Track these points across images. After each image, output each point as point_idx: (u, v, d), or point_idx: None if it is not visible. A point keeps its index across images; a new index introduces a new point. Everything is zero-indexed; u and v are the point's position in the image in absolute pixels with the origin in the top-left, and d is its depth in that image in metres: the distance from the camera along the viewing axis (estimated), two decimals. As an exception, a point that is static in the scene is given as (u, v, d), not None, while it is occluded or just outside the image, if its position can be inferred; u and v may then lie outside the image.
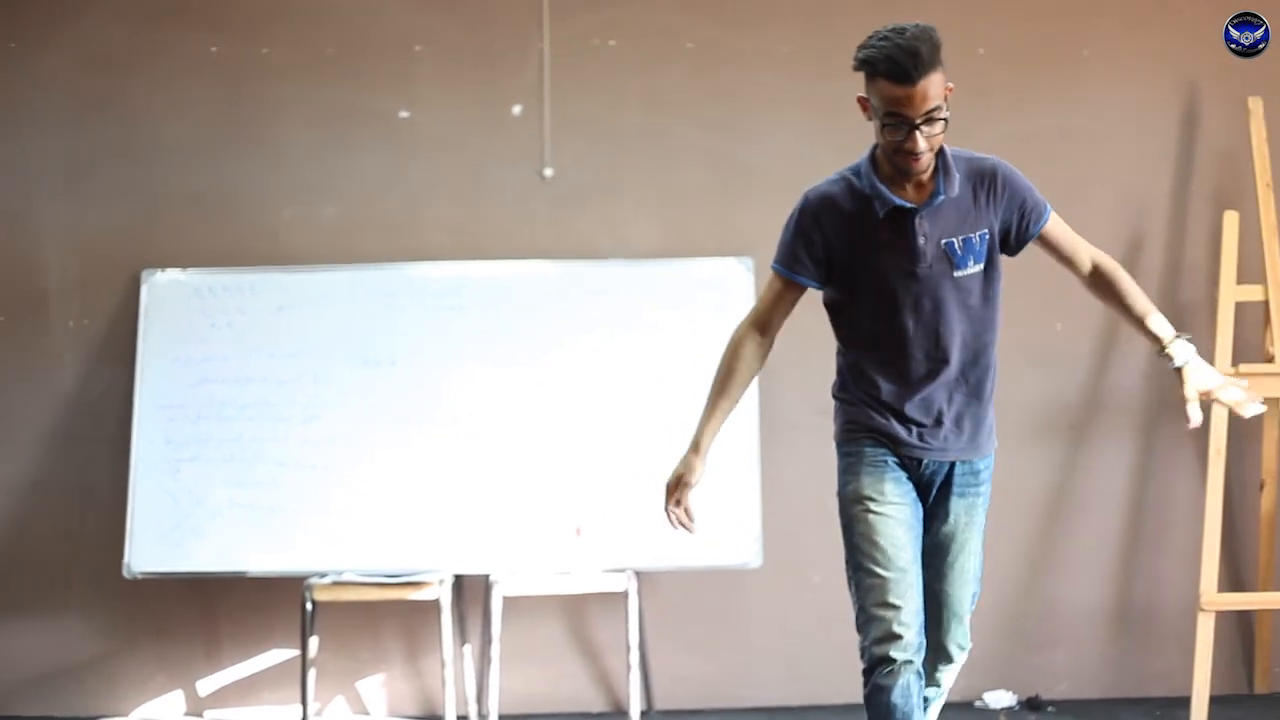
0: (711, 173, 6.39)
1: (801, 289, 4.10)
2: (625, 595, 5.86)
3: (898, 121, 3.84)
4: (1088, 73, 6.40)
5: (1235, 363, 5.80)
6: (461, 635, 6.14)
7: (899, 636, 3.88)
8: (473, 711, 6.16)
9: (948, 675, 4.24)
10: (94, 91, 6.44)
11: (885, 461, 4.06)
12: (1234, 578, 6.28)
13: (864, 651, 3.92)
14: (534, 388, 6.06)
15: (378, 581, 5.83)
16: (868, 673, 3.91)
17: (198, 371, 6.13)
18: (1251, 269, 6.03)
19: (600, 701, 6.29)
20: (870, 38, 3.92)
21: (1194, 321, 6.28)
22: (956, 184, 3.99)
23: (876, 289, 4.04)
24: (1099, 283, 4.23)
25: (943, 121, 3.85)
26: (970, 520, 4.13)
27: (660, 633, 6.23)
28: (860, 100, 3.94)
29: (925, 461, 4.06)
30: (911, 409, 4.05)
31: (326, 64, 6.43)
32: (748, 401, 5.94)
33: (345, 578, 5.84)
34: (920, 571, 4.02)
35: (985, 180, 4.06)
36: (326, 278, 6.21)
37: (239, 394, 6.12)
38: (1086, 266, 4.21)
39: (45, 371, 6.36)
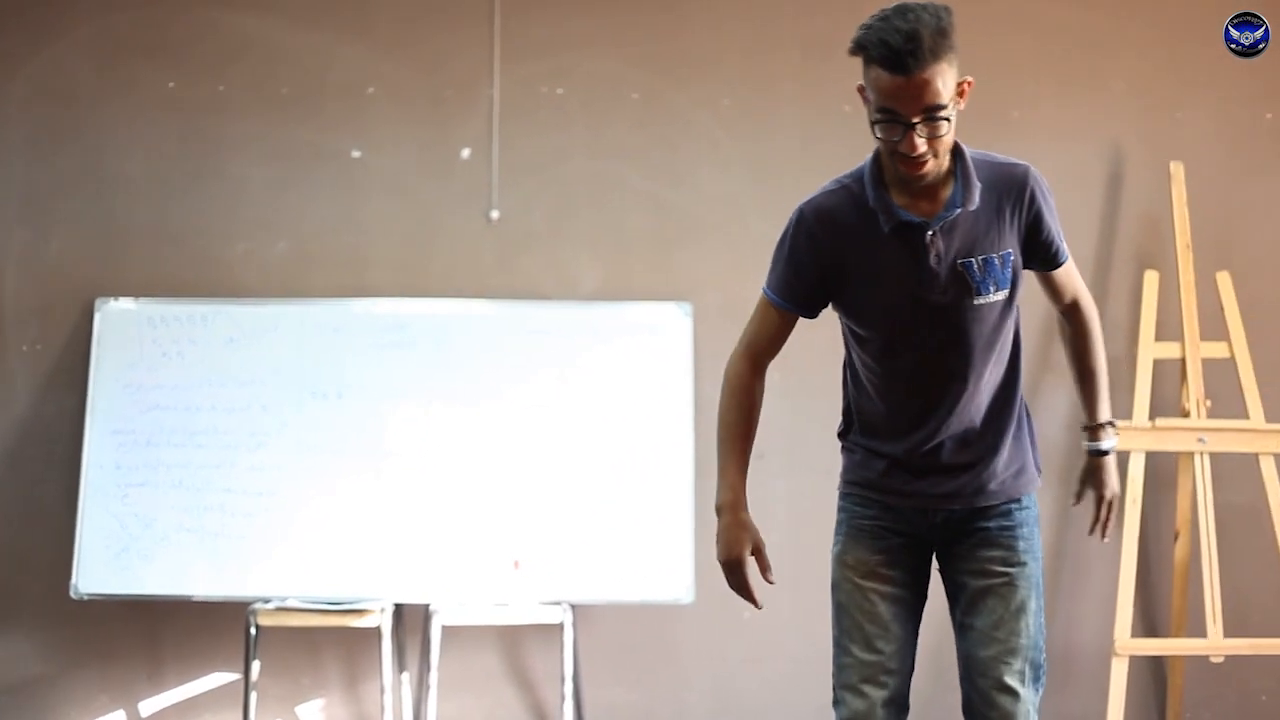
0: (653, 219, 6.52)
1: (796, 317, 3.64)
2: (561, 627, 5.95)
3: (892, 119, 3.31)
4: (1016, 134, 6.53)
5: (1152, 416, 5.99)
6: (400, 663, 6.24)
7: None
8: (409, 738, 6.28)
9: None
10: (54, 123, 6.55)
11: (875, 527, 3.64)
12: (1148, 624, 6.41)
13: None
14: (476, 424, 6.17)
15: (320, 608, 5.93)
16: None
17: (149, 398, 6.22)
18: (1170, 327, 6.22)
19: None
20: (872, 15, 3.36)
21: (1114, 376, 6.37)
22: (977, 194, 3.44)
23: (882, 318, 3.52)
24: (1070, 321, 3.80)
25: (946, 122, 3.31)
26: (1008, 575, 3.57)
27: (594, 665, 6.33)
28: (859, 89, 3.44)
29: (936, 511, 3.59)
30: (920, 456, 3.56)
31: (281, 103, 6.55)
32: (682, 438, 6.13)
33: (289, 604, 5.94)
34: (908, 649, 3.68)
35: (1013, 191, 3.50)
36: (276, 311, 6.30)
37: (188, 421, 6.19)
38: (1067, 299, 3.77)
39: (-2, 394, 6.46)
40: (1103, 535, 3.70)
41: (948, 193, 3.44)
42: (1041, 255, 3.58)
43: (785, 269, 3.57)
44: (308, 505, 6.12)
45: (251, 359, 6.25)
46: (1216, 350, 6.13)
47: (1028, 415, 3.70)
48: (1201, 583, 5.89)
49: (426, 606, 6.07)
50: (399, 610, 6.16)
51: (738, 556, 3.62)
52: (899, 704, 3.68)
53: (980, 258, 3.44)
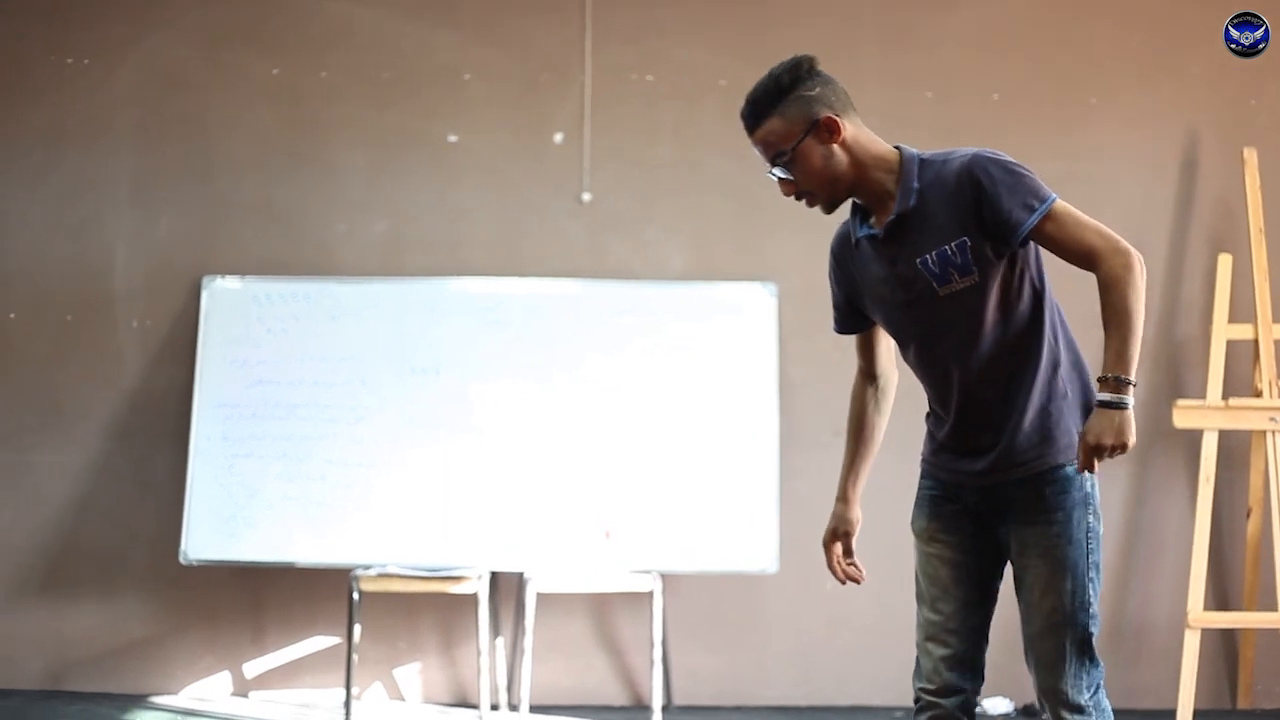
0: (739, 202, 6.65)
1: (869, 331, 3.86)
2: (650, 596, 6.10)
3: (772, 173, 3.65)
4: (1094, 120, 6.68)
5: (1225, 396, 6.08)
6: (495, 629, 6.41)
7: (928, 680, 3.80)
8: (503, 701, 6.42)
9: None
10: (161, 109, 6.76)
11: (933, 496, 3.79)
12: (1220, 598, 6.53)
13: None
14: (568, 398, 6.35)
15: (419, 575, 6.12)
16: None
17: (253, 373, 6.42)
18: (1243, 309, 6.34)
19: (623, 696, 6.56)
20: None
21: (1188, 356, 6.58)
22: (913, 196, 3.59)
23: (884, 321, 3.76)
24: (1096, 278, 3.58)
25: (791, 165, 3.57)
26: (1044, 550, 3.60)
27: (681, 632, 6.50)
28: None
29: (974, 489, 3.69)
30: (952, 437, 3.70)
31: (381, 89, 6.74)
32: (769, 416, 6.28)
33: (389, 570, 6.14)
34: (973, 612, 3.80)
35: (955, 181, 3.58)
36: (375, 289, 6.49)
37: (291, 395, 6.40)
38: (1078, 257, 3.59)
39: (109, 368, 6.67)
40: (1079, 469, 3.56)
41: (894, 202, 3.62)
42: (1004, 227, 3.52)
43: (832, 298, 3.89)
44: (406, 476, 6.30)
45: (351, 335, 6.44)
46: (1290, 332, 6.24)
47: (1069, 386, 3.67)
48: (1273, 558, 5.96)
49: (521, 574, 6.25)
50: (494, 578, 6.34)
51: (825, 541, 4.02)
52: (966, 665, 3.84)
53: (933, 252, 3.57)
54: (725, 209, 6.69)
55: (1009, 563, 3.73)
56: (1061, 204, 3.57)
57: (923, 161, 3.66)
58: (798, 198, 3.66)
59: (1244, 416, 6.04)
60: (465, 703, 6.52)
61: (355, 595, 6.09)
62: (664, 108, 6.76)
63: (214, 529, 6.30)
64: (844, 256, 3.77)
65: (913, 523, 3.86)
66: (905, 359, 3.79)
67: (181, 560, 6.29)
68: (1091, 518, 3.69)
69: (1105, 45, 6.76)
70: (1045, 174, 6.57)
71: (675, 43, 6.77)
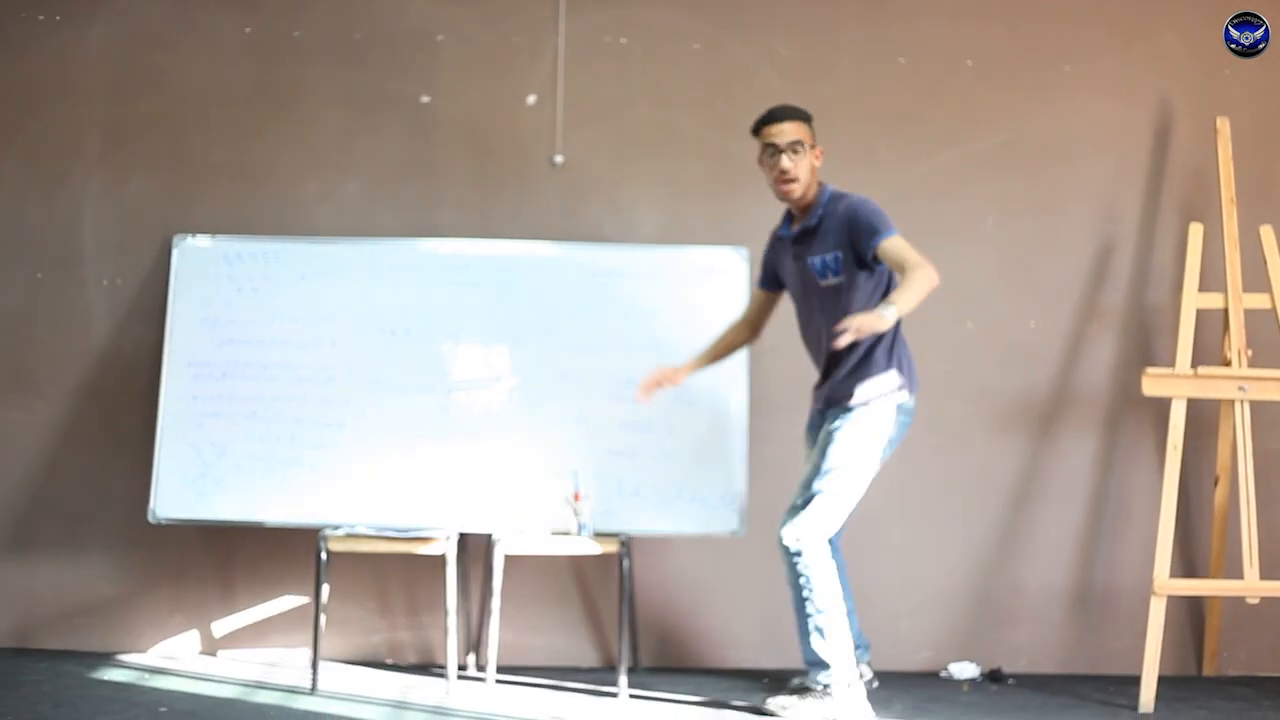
0: (712, 166, 6.66)
1: (775, 295, 5.96)
2: (618, 558, 6.08)
3: (773, 150, 5.56)
4: (1068, 88, 6.70)
5: (1194, 364, 6.10)
6: (463, 589, 6.43)
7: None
8: (471, 662, 6.45)
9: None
10: (133, 67, 6.74)
11: (811, 415, 5.82)
12: (1187, 565, 6.56)
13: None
14: (539, 360, 6.35)
15: (388, 535, 6.11)
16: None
17: (223, 333, 6.41)
18: (1213, 278, 6.36)
19: (591, 658, 6.57)
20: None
21: (1158, 324, 6.61)
22: (817, 217, 5.59)
23: (793, 296, 5.80)
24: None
25: (803, 158, 5.55)
26: (827, 442, 5.56)
27: (649, 595, 6.53)
28: (758, 161, 5.65)
29: (818, 411, 5.72)
30: (819, 371, 5.73)
31: (354, 49, 6.72)
32: (738, 381, 6.29)
33: (358, 530, 6.13)
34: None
35: (841, 214, 5.51)
36: (347, 250, 6.47)
37: (261, 355, 6.39)
38: (898, 267, 5.38)
39: (79, 327, 6.65)
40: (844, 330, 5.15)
41: (807, 217, 5.62)
42: (862, 238, 5.42)
43: (763, 263, 5.98)
44: (375, 437, 6.30)
45: (322, 296, 6.43)
46: (1259, 301, 6.24)
47: (885, 359, 5.59)
48: (1240, 527, 6.01)
49: (489, 536, 6.24)
50: (463, 539, 6.34)
51: (652, 374, 5.95)
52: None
53: (818, 258, 5.57)
54: (698, 173, 6.68)
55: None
56: (898, 237, 5.41)
57: (833, 195, 5.62)
58: (787, 180, 5.57)
59: (1213, 385, 6.06)
60: (433, 663, 6.53)
61: (323, 555, 6.07)
62: (637, 71, 6.74)
63: (183, 488, 6.30)
64: (776, 242, 5.84)
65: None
66: (799, 323, 5.81)
67: (150, 519, 6.28)
68: (867, 436, 5.56)
69: (1080, 13, 6.76)
70: (1019, 140, 6.65)
71: (649, 6, 6.77)
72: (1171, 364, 6.18)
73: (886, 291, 5.55)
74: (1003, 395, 6.62)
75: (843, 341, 5.15)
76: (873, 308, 5.44)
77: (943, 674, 6.46)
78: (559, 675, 6.32)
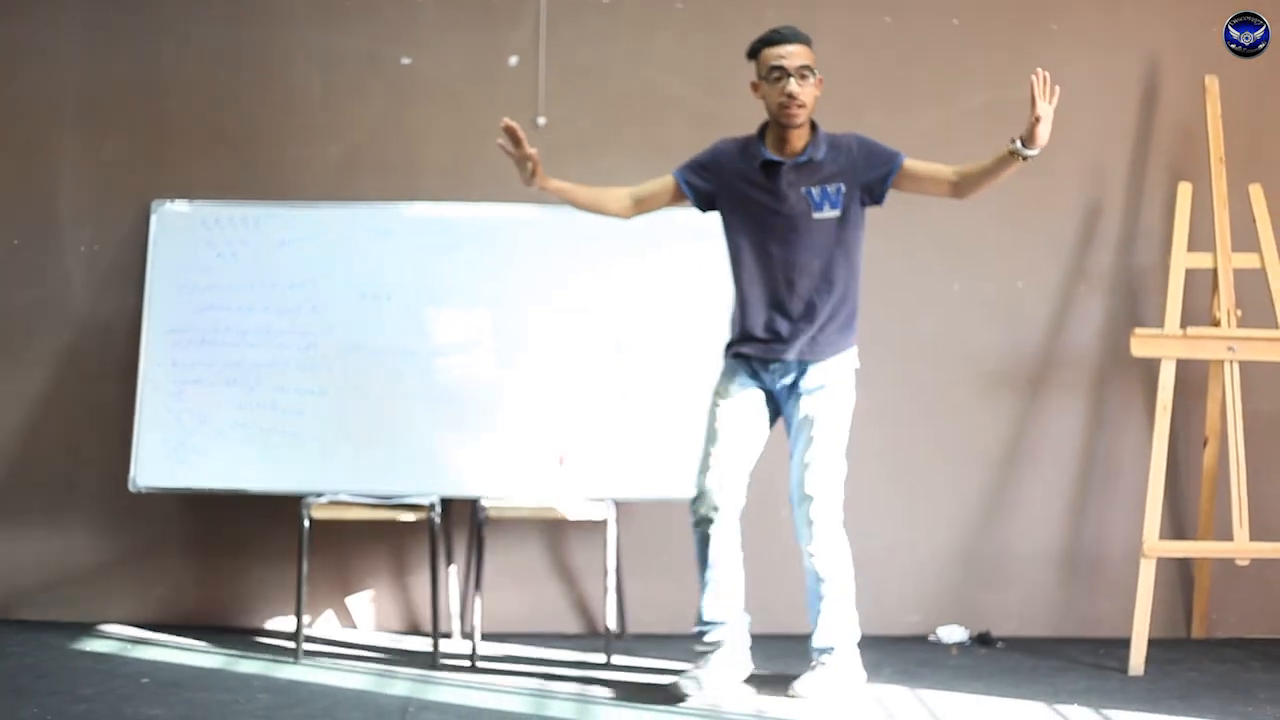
0: (697, 127, 6.43)
1: (680, 196, 5.49)
2: (604, 523, 6.06)
3: (780, 73, 5.21)
4: (1054, 46, 6.61)
5: (1183, 325, 6.06)
6: (448, 556, 6.40)
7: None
8: (456, 629, 6.41)
9: None
10: (108, 27, 6.64)
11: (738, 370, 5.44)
12: (1176, 527, 6.54)
13: None
14: (522, 324, 6.30)
15: (370, 502, 6.09)
16: None
17: (203, 299, 6.35)
18: (1202, 237, 6.30)
19: (576, 624, 6.55)
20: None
21: (1147, 285, 6.57)
22: (822, 148, 5.29)
23: (748, 224, 5.35)
24: (966, 179, 5.25)
25: (810, 83, 5.23)
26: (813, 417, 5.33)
27: (635, 560, 6.47)
28: (752, 86, 5.35)
29: (772, 363, 5.35)
30: (767, 321, 5.33)
31: (333, 9, 6.63)
32: (724, 340, 6.23)
33: (340, 498, 6.10)
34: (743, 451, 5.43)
35: (844, 146, 5.31)
36: (327, 213, 6.41)
37: (241, 321, 6.32)
38: (951, 175, 5.27)
39: (57, 293, 6.58)
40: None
41: (802, 147, 5.31)
42: (883, 161, 5.31)
43: (696, 163, 5.50)
44: (357, 403, 6.25)
45: (303, 260, 6.37)
46: (1248, 261, 6.21)
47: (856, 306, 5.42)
48: (1229, 488, 5.98)
49: (474, 501, 6.19)
50: (446, 505, 6.29)
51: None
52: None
53: (819, 188, 5.28)
54: (683, 134, 6.53)
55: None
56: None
57: (827, 132, 5.35)
58: (794, 105, 5.23)
59: (1202, 346, 6.04)
60: (418, 630, 6.51)
61: (306, 523, 6.04)
62: (621, 31, 6.67)
63: (163, 456, 6.25)
64: (742, 160, 5.39)
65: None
66: (749, 260, 5.38)
67: (131, 488, 6.24)
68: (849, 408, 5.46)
69: (1067, -32, 6.70)
70: (1003, 100, 6.58)
71: (632, -35, 6.68)
72: (1160, 324, 6.15)
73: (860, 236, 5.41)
74: (990, 357, 6.58)
75: (1041, 134, 5.07)
76: (855, 249, 5.37)
77: (931, 638, 6.45)
78: (545, 641, 6.30)
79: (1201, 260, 6.22)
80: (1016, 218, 6.61)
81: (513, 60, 6.65)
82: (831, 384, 5.37)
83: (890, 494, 6.55)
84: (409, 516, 6.07)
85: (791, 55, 5.25)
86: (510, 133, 5.33)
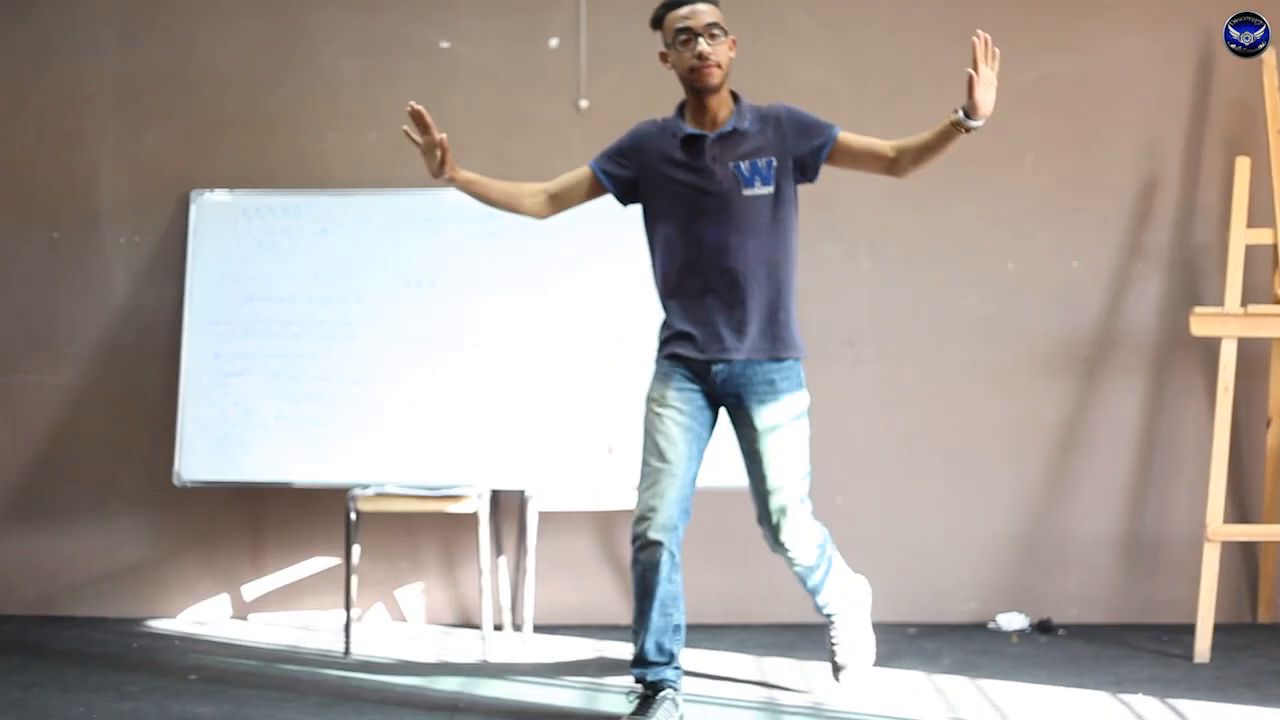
0: None
1: (600, 189, 5.04)
2: (655, 513, 6.01)
3: (688, 35, 4.75)
4: (1108, 20, 6.50)
5: (1244, 303, 5.94)
6: (497, 547, 6.34)
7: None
8: (507, 621, 6.34)
9: None
10: (145, 17, 6.59)
11: (674, 373, 4.91)
12: (1240, 510, 6.41)
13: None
14: (569, 311, 6.22)
15: (418, 494, 6.02)
16: None
17: (245, 289, 6.31)
18: (1262, 213, 6.17)
19: (628, 615, 6.31)
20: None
21: (1205, 263, 6.43)
22: (747, 118, 4.83)
23: (676, 203, 4.84)
24: (904, 153, 4.76)
25: (722, 43, 4.76)
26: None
27: (688, 550, 6.18)
28: (661, 55, 4.90)
29: (714, 366, 4.83)
30: (700, 315, 4.83)
31: (371, -6, 6.58)
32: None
33: (387, 489, 6.03)
34: (689, 464, 4.92)
35: (772, 117, 4.86)
36: (368, 201, 6.35)
37: (284, 311, 6.28)
38: (889, 150, 4.80)
39: (98, 286, 6.54)
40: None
41: (725, 119, 4.85)
42: (816, 134, 4.84)
43: (613, 152, 5.03)
44: (403, 393, 6.19)
45: (345, 249, 6.31)
46: (1309, 236, 6.10)
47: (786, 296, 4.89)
48: (1293, 469, 5.90)
49: (522, 492, 6.15)
50: (495, 496, 6.24)
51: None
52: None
53: (747, 162, 4.80)
54: (728, 115, 6.51)
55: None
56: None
57: (750, 103, 4.90)
58: (707, 65, 4.75)
59: (1263, 324, 5.93)
60: (469, 623, 6.44)
61: (353, 515, 5.99)
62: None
63: (207, 450, 6.20)
64: (661, 139, 4.91)
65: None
66: (676, 246, 4.88)
67: (175, 482, 6.19)
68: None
69: (1121, -59, 6.57)
70: (1058, 75, 6.47)
71: (675, -57, 6.57)
72: (1220, 303, 6.03)
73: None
74: (1046, 338, 6.46)
75: (982, 101, 4.57)
76: (791, 231, 4.86)
77: (990, 625, 6.34)
78: (597, 633, 6.23)
79: (1261, 236, 6.09)
80: (1071, 196, 6.49)
81: (553, 42, 6.57)
82: (780, 382, 4.86)
83: (947, 479, 6.45)
84: (457, 508, 6.00)
85: (697, 14, 4.77)
86: (416, 117, 4.84)
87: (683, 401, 4.88)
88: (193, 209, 6.38)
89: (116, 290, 6.55)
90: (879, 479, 6.43)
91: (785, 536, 4.97)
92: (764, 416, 4.86)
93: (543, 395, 6.17)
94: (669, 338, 4.94)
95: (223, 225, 6.37)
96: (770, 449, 4.88)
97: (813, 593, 5.19)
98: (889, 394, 6.42)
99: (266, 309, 6.30)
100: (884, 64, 6.49)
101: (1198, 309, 5.91)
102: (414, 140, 4.86)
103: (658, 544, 4.76)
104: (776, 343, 4.84)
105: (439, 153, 4.87)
